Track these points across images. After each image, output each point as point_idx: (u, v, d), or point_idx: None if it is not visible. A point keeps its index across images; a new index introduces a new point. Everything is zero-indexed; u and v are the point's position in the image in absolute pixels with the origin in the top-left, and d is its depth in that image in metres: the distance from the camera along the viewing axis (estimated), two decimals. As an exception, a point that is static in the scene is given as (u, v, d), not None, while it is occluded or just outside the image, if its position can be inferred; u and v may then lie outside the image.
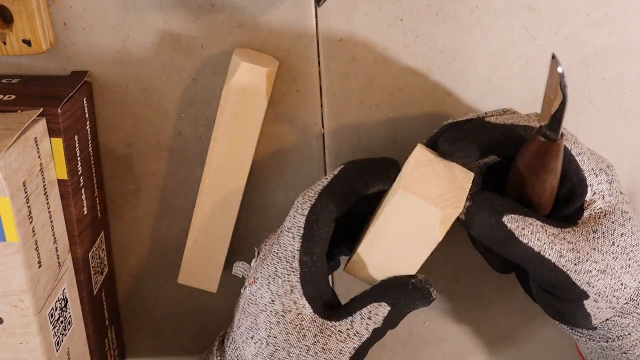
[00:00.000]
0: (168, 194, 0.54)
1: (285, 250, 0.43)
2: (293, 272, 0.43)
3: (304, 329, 0.43)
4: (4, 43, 0.47)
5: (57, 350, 0.48)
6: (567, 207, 0.43)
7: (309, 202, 0.43)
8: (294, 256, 0.43)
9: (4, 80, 0.49)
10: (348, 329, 0.43)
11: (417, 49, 0.48)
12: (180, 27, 0.49)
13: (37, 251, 0.45)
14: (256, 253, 0.46)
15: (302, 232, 0.43)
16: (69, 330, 0.50)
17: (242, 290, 0.46)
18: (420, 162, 0.42)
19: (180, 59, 0.49)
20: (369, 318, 0.43)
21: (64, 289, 0.49)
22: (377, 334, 0.43)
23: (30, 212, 0.44)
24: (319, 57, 0.49)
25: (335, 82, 0.50)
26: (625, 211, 0.43)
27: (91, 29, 0.49)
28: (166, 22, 0.48)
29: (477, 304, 0.57)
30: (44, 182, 0.45)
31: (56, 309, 0.48)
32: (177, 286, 0.53)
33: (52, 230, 0.47)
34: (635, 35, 0.48)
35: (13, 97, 0.47)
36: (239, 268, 0.47)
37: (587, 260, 0.41)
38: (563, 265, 0.41)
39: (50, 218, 0.46)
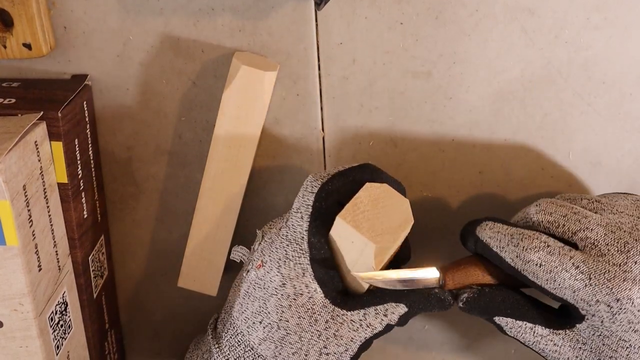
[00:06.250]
0: (168, 197, 0.54)
1: (294, 232, 0.43)
2: (303, 254, 0.43)
3: (315, 313, 0.43)
4: (4, 47, 0.47)
5: (57, 354, 0.48)
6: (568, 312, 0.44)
7: (320, 181, 0.43)
8: (303, 237, 0.43)
9: (4, 84, 0.49)
10: (361, 320, 0.43)
11: (417, 53, 0.49)
12: (180, 31, 0.49)
13: (37, 255, 0.45)
14: (260, 236, 0.46)
15: (310, 210, 0.43)
16: (69, 333, 0.49)
17: (244, 274, 0.46)
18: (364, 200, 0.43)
19: (180, 63, 0.49)
20: (385, 315, 0.44)
21: (64, 292, 0.49)
22: (389, 328, 0.45)
23: (30, 216, 0.43)
24: (319, 60, 0.49)
25: (335, 85, 0.50)
26: (625, 340, 0.42)
27: (91, 32, 0.49)
28: (166, 25, 0.48)
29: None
30: (44, 185, 0.45)
31: (56, 313, 0.47)
32: (177, 290, 0.53)
33: (52, 233, 0.47)
34: (635, 39, 0.48)
35: (13, 100, 0.47)
36: (237, 253, 0.47)
37: None
38: (541, 358, 0.46)
39: (51, 221, 0.46)
